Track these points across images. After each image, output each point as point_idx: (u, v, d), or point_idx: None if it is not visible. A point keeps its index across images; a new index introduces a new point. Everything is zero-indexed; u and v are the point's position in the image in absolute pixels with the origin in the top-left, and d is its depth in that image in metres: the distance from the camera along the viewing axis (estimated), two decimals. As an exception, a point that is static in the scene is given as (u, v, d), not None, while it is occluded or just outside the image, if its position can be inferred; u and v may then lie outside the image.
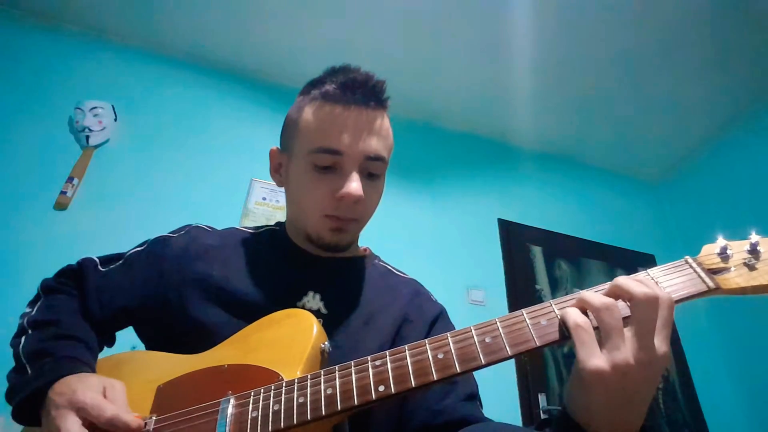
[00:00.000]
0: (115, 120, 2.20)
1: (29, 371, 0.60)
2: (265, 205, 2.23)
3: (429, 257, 2.34)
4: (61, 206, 1.95)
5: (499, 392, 2.12)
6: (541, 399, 2.18)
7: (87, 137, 2.09)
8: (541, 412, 2.14)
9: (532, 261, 2.62)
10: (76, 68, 2.29)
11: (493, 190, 2.79)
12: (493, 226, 2.65)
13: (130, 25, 2.41)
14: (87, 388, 0.54)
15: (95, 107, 2.14)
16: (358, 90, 0.67)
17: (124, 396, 0.56)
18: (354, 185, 0.65)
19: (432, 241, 2.45)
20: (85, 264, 0.75)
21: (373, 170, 0.69)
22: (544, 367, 2.30)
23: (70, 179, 1.99)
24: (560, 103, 2.73)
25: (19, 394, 0.58)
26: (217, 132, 2.38)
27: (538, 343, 0.48)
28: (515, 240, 2.64)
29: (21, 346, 0.64)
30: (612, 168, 3.16)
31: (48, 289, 0.73)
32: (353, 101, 0.67)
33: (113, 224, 1.95)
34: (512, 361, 2.24)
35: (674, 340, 2.60)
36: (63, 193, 1.95)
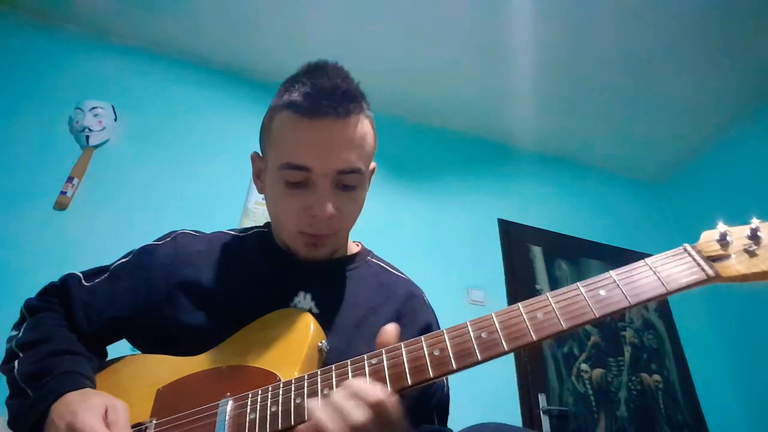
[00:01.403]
0: (115, 120, 2.20)
1: (30, 394, 0.59)
2: (265, 205, 2.22)
3: (429, 257, 2.34)
4: (61, 206, 1.95)
5: (499, 392, 2.12)
6: (541, 399, 2.18)
7: (87, 137, 2.09)
8: (541, 412, 2.14)
9: (532, 261, 2.61)
10: (76, 68, 2.29)
11: (493, 190, 2.78)
12: (493, 226, 2.65)
13: (130, 25, 2.41)
14: (87, 411, 0.53)
15: (95, 107, 2.14)
16: (324, 100, 0.61)
17: (126, 418, 0.54)
18: (323, 205, 0.63)
19: (432, 241, 2.45)
20: (68, 280, 0.72)
21: (347, 183, 0.65)
22: (544, 367, 2.29)
23: (70, 179, 1.99)
24: (560, 104, 2.73)
25: (26, 421, 0.57)
26: (217, 132, 2.37)
27: (534, 338, 0.47)
28: (515, 240, 2.63)
29: (16, 370, 0.62)
30: (612, 168, 3.16)
31: (32, 308, 0.71)
32: (320, 113, 0.61)
33: (113, 224, 1.95)
34: (512, 361, 2.24)
35: (674, 339, 2.61)
36: (63, 193, 1.95)
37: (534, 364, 2.27)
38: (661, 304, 2.70)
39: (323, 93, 0.62)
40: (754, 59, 2.42)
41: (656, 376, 2.46)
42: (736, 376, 2.49)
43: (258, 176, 0.76)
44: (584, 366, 2.36)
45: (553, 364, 2.32)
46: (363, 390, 0.46)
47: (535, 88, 2.61)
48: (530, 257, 2.62)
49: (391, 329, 0.52)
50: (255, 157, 0.76)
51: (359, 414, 0.44)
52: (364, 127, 0.67)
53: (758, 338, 2.40)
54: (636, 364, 2.46)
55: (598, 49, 2.40)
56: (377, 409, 0.45)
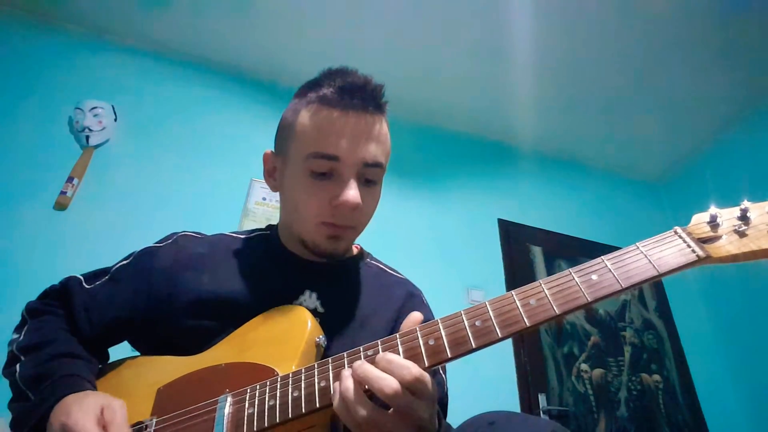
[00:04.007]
0: (115, 120, 2.20)
1: (31, 398, 0.59)
2: (265, 205, 2.23)
3: (429, 257, 2.34)
4: (61, 206, 1.95)
5: (499, 392, 2.12)
6: (541, 399, 2.18)
7: (87, 137, 2.09)
8: (541, 412, 2.14)
9: (532, 261, 2.62)
10: (76, 68, 2.29)
11: (493, 190, 2.79)
12: (493, 226, 2.65)
13: (130, 25, 2.41)
14: (82, 411, 0.53)
15: (95, 107, 2.14)
16: (356, 94, 0.65)
17: (123, 416, 0.54)
18: (352, 193, 0.64)
19: (432, 241, 2.45)
20: (69, 283, 0.72)
21: (370, 177, 0.68)
22: (544, 367, 2.29)
23: (70, 179, 1.99)
24: (560, 104, 2.73)
25: (26, 424, 0.57)
26: (217, 132, 2.38)
27: (528, 323, 0.48)
28: (515, 240, 2.64)
29: (17, 374, 0.62)
30: (612, 168, 3.16)
31: (33, 311, 0.71)
32: (351, 106, 0.65)
33: (113, 224, 1.95)
34: (512, 361, 2.24)
35: (674, 339, 2.61)
36: (63, 193, 1.95)
37: (534, 364, 2.27)
38: (661, 304, 2.70)
39: (355, 87, 0.66)
40: (754, 59, 2.42)
41: (656, 376, 2.46)
42: (737, 376, 2.49)
43: (271, 174, 0.76)
44: (584, 366, 2.36)
45: (553, 364, 2.32)
46: (398, 361, 0.48)
47: (535, 88, 2.61)
48: (530, 257, 2.62)
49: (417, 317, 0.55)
50: (269, 156, 0.76)
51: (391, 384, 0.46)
52: (385, 128, 0.70)
53: (759, 338, 2.40)
54: (636, 364, 2.45)
55: (598, 49, 2.40)
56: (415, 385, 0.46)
